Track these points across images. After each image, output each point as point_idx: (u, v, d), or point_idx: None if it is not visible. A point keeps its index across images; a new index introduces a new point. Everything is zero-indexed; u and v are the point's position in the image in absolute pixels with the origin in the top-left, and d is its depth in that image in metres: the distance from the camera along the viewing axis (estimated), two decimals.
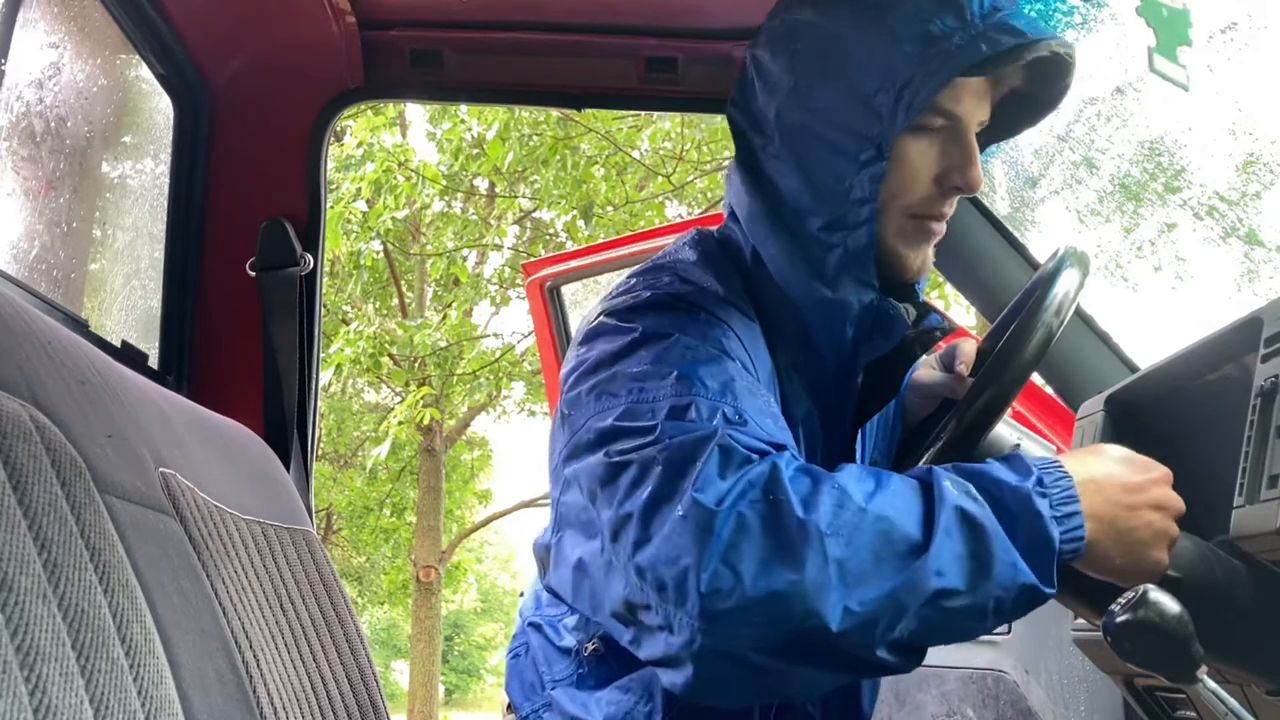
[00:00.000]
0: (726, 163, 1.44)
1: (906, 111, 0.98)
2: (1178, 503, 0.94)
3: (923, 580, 0.83)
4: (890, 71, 0.98)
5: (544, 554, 1.16)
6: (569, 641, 1.13)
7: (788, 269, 1.06)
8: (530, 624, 1.19)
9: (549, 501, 1.08)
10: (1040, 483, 0.88)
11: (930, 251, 1.09)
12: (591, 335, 1.03)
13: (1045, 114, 1.13)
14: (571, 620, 1.14)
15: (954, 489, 0.86)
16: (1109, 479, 0.91)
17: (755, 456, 0.88)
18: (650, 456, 0.88)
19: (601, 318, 1.03)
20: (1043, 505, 0.87)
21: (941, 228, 1.07)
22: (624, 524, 0.89)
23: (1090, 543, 0.89)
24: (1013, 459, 0.90)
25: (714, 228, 1.17)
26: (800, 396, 1.10)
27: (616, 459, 0.91)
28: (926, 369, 1.24)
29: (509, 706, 1.20)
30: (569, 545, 0.99)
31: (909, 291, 1.12)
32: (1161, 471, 0.95)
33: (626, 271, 1.14)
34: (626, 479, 0.89)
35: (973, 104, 1.04)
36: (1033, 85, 1.09)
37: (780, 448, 0.91)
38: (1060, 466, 0.90)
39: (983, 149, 1.13)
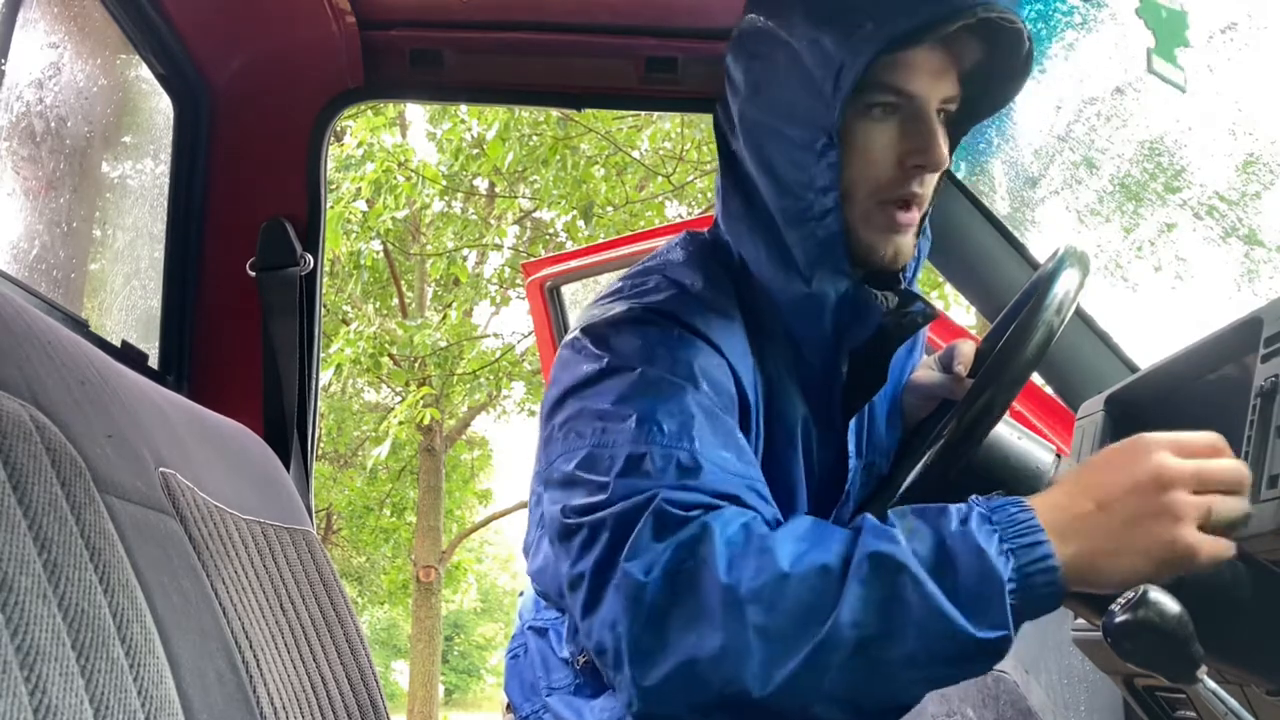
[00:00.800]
0: None
1: (844, 93, 0.98)
2: (1170, 473, 0.83)
3: (838, 633, 0.80)
4: (826, 58, 0.99)
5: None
6: (565, 652, 1.14)
7: (766, 267, 1.07)
8: (530, 627, 1.20)
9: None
10: (988, 520, 0.83)
11: (905, 240, 1.07)
12: (566, 352, 1.04)
13: (1016, 86, 1.10)
14: (566, 629, 1.14)
15: (873, 537, 0.83)
16: (1076, 491, 0.85)
17: (694, 514, 0.87)
18: (599, 521, 0.90)
19: (578, 334, 1.04)
20: (988, 540, 0.82)
21: (913, 215, 1.05)
22: (578, 583, 0.91)
23: (1080, 565, 0.83)
24: (967, 505, 0.86)
25: (705, 229, 1.18)
26: (791, 396, 1.10)
27: (570, 520, 0.92)
28: (925, 370, 1.25)
29: (508, 706, 1.20)
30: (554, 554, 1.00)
31: (892, 279, 1.11)
32: (1141, 448, 0.85)
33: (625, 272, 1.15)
34: (578, 541, 0.91)
35: (928, 81, 1.02)
36: (994, 59, 1.07)
37: (729, 498, 0.90)
38: (1017, 501, 0.85)
39: (969, 129, 1.13)
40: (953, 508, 0.86)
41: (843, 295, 1.05)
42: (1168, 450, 0.85)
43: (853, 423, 1.15)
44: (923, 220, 1.09)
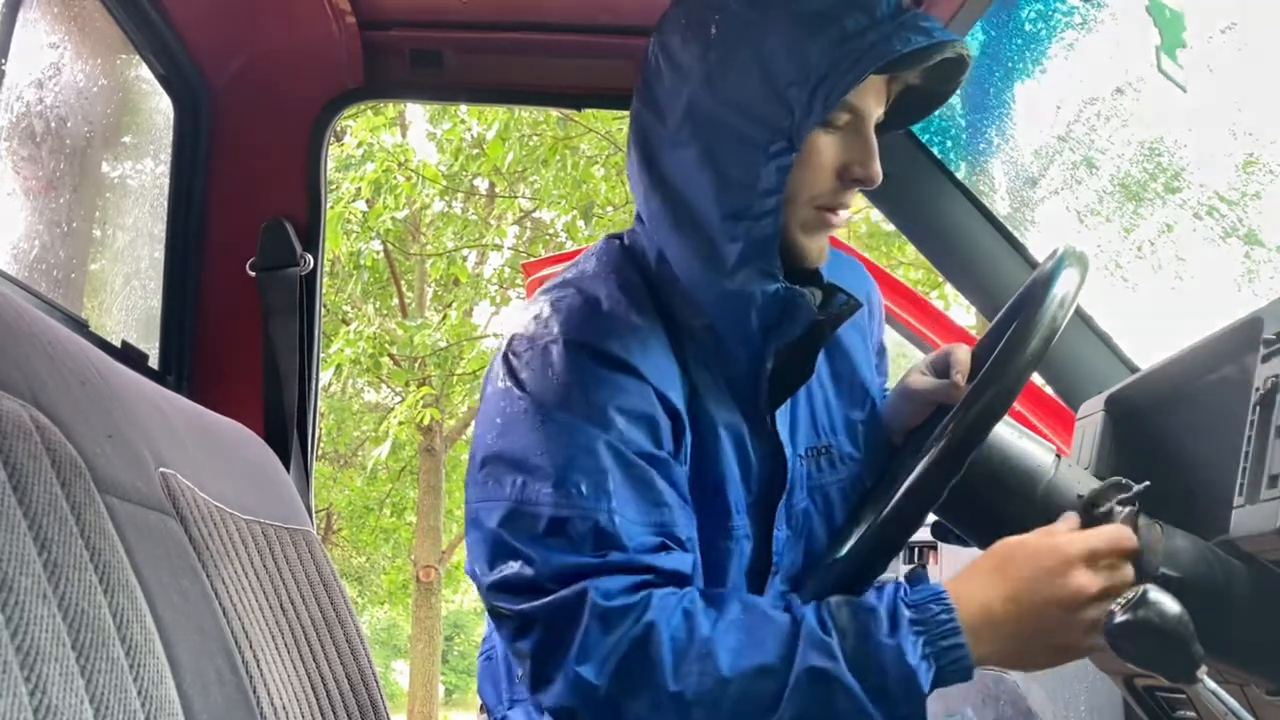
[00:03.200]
0: None
1: (823, 105, 0.99)
2: (1086, 593, 0.92)
3: None
4: (805, 65, 1.00)
5: None
6: None
7: (689, 263, 1.07)
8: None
9: None
10: (915, 624, 0.92)
11: (826, 242, 1.11)
12: (496, 382, 1.06)
13: (936, 108, 1.16)
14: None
15: (811, 647, 0.92)
16: (999, 593, 0.93)
17: (634, 601, 0.94)
18: (530, 614, 0.96)
19: (503, 360, 1.05)
20: (912, 648, 0.91)
21: (842, 218, 1.09)
22: (520, 656, 0.99)
23: (990, 660, 0.93)
24: (895, 603, 0.93)
25: (624, 232, 1.18)
26: (716, 393, 1.10)
27: (500, 603, 0.99)
28: (919, 375, 1.23)
29: (482, 708, 1.20)
30: None
31: (813, 276, 1.13)
32: (1063, 562, 0.93)
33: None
34: (510, 627, 0.99)
35: (874, 99, 1.06)
36: (929, 82, 1.11)
37: (651, 556, 0.97)
38: (941, 598, 0.93)
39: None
40: (883, 608, 0.93)
41: (772, 295, 1.05)
42: (1084, 564, 0.93)
43: (785, 413, 1.15)
44: None
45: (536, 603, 0.96)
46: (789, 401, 1.15)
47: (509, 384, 1.03)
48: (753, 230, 1.03)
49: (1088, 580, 0.92)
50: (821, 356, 1.18)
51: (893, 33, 1.00)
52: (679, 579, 0.98)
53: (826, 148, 1.05)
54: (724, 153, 1.03)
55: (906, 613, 0.92)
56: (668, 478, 1.02)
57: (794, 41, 1.00)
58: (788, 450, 1.14)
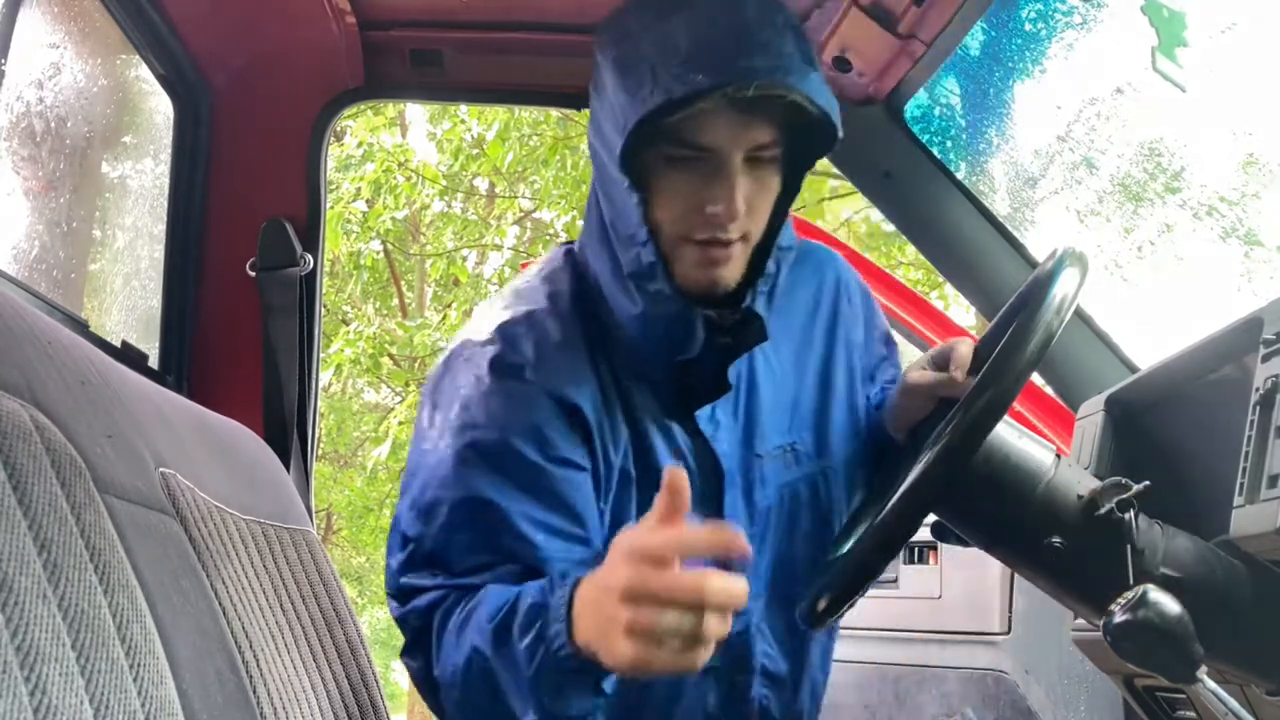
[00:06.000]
0: None
1: (620, 159, 1.04)
2: (617, 583, 0.85)
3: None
4: (619, 108, 1.04)
5: None
6: None
7: (608, 282, 1.13)
8: None
9: None
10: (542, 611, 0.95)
11: (723, 272, 1.09)
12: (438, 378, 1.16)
13: (829, 131, 1.08)
14: None
15: (474, 632, 1.00)
16: (598, 577, 0.90)
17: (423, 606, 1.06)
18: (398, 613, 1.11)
19: (443, 362, 1.15)
20: (523, 637, 0.95)
21: (726, 252, 1.08)
22: None
23: (586, 647, 0.90)
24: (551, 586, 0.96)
25: (576, 241, 1.23)
26: (640, 394, 1.15)
27: (390, 592, 1.12)
28: (919, 370, 1.23)
29: None
30: None
31: (738, 297, 1.13)
32: (620, 550, 0.87)
33: None
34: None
35: (726, 134, 1.04)
36: (794, 114, 1.05)
37: (474, 571, 1.06)
38: (573, 584, 0.93)
39: (814, 162, 1.14)
40: (535, 593, 0.97)
41: (674, 316, 1.09)
42: (627, 554, 0.86)
43: (738, 413, 1.19)
44: (769, 248, 1.12)
45: (391, 603, 1.11)
46: (749, 401, 1.19)
47: (425, 396, 1.14)
48: (640, 256, 1.07)
49: (622, 574, 0.85)
50: (797, 350, 1.23)
51: (676, 78, 1.00)
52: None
53: (679, 184, 1.06)
54: (605, 184, 1.10)
55: (543, 610, 0.97)
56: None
57: (618, 87, 1.05)
58: (722, 447, 1.17)
